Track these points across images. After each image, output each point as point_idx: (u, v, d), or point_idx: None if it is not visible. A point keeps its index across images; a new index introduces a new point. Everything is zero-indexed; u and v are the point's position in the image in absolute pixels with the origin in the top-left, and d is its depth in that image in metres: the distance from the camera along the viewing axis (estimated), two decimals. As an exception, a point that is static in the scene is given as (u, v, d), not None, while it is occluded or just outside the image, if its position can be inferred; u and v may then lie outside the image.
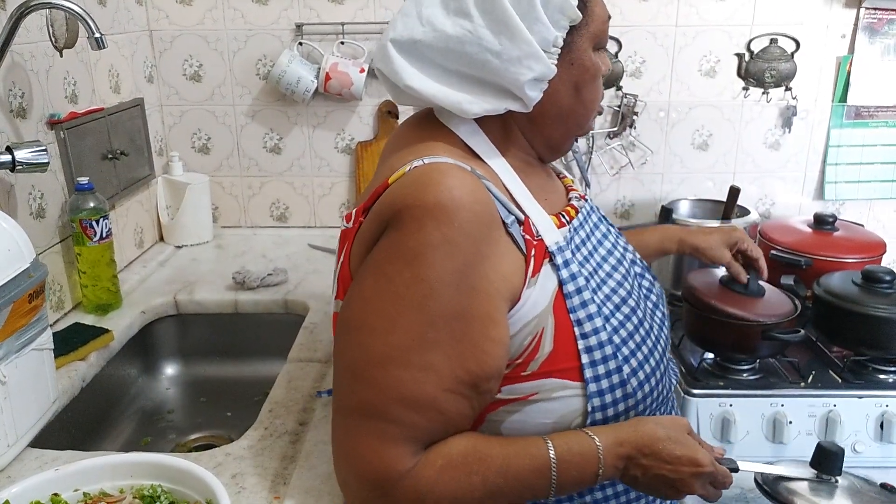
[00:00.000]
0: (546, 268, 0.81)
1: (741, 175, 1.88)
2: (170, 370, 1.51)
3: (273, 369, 1.27)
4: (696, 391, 1.33)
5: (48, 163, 1.15)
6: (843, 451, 0.91)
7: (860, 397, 1.32)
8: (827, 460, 0.90)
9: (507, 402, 0.80)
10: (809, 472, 0.92)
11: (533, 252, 0.80)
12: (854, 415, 1.32)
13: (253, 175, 1.92)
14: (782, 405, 1.32)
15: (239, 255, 1.76)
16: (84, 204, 1.34)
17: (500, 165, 0.84)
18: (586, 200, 0.95)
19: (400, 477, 0.73)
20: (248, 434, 1.02)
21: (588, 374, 0.80)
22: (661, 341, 0.91)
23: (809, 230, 1.65)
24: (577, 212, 0.89)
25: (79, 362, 1.22)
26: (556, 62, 0.81)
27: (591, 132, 1.82)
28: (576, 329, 0.80)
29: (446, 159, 0.79)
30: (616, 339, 0.82)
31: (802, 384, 1.35)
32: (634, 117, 1.82)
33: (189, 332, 1.51)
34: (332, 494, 0.89)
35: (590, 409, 0.80)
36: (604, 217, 0.99)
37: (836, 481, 0.91)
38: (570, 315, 0.80)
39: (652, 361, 0.86)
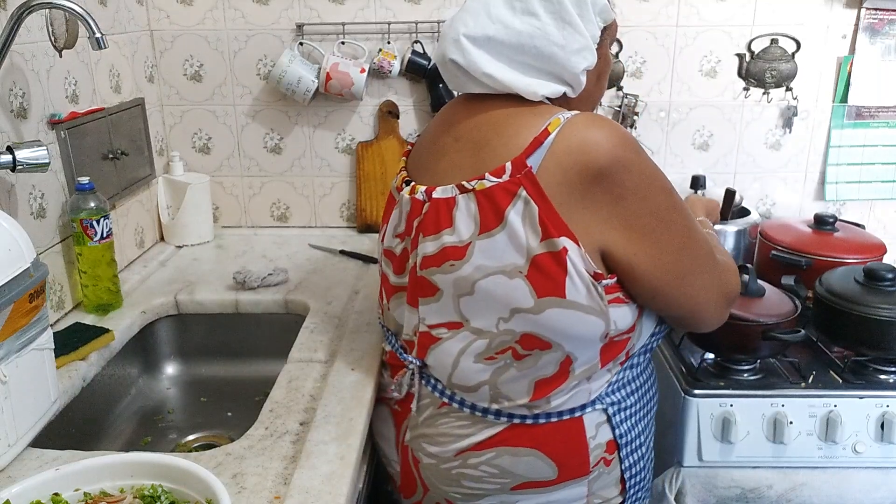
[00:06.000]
0: None
1: (742, 175, 1.88)
2: (170, 370, 1.51)
3: (273, 369, 1.27)
4: (696, 391, 1.33)
5: (49, 163, 1.15)
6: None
7: (861, 398, 1.32)
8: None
9: None
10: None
11: None
12: (855, 415, 1.32)
13: (253, 175, 1.92)
14: (783, 405, 1.32)
15: (239, 255, 1.76)
16: (85, 204, 1.34)
17: None
18: None
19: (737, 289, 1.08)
20: (249, 434, 1.02)
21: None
22: None
23: (809, 230, 1.65)
24: None
25: (79, 362, 1.22)
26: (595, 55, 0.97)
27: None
28: None
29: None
30: None
31: (803, 384, 1.35)
32: (635, 117, 1.82)
33: (189, 332, 1.51)
34: (332, 494, 0.89)
35: None
36: None
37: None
38: None
39: None
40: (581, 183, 0.89)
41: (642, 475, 1.09)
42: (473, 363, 0.98)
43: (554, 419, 1.00)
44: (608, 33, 1.01)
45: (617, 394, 1.03)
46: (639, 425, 1.07)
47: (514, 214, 0.90)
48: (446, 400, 1.03)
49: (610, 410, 1.02)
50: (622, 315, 0.96)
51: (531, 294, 0.91)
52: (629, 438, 1.05)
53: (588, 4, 0.94)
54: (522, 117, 0.95)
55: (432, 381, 1.04)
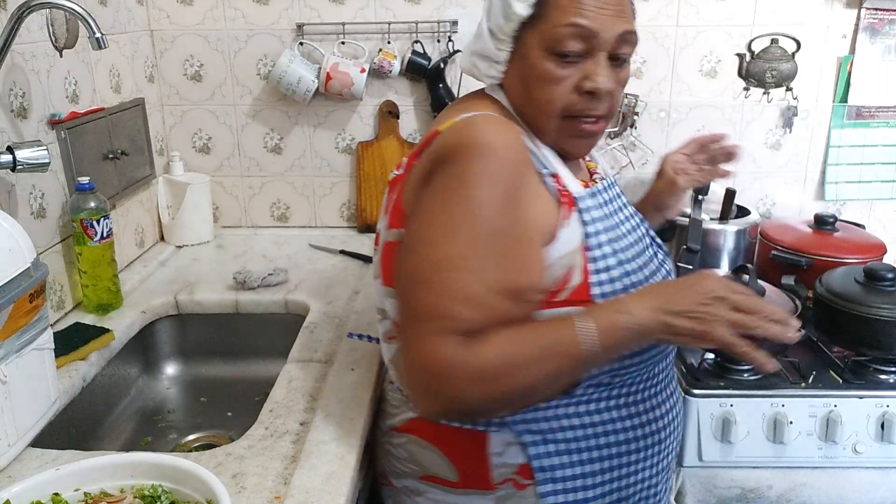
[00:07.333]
0: (574, 215, 0.93)
1: (742, 175, 1.88)
2: (170, 370, 1.51)
3: (273, 369, 1.27)
4: (696, 391, 1.33)
5: (49, 163, 1.15)
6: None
7: (861, 398, 1.32)
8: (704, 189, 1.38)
9: None
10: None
11: (564, 199, 0.93)
12: (855, 415, 1.32)
13: (253, 175, 1.92)
14: (783, 405, 1.32)
15: (239, 255, 1.76)
16: (85, 204, 1.34)
17: (531, 133, 0.97)
18: (608, 180, 1.06)
19: (453, 365, 0.83)
20: (249, 434, 1.02)
21: (595, 293, 0.91)
22: None
23: (810, 230, 1.65)
24: (596, 183, 1.02)
25: (79, 362, 1.22)
26: (506, 50, 0.93)
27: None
28: (589, 265, 0.91)
29: (491, 113, 0.94)
30: (626, 281, 0.93)
31: (803, 384, 1.35)
32: (635, 117, 1.82)
33: (189, 332, 1.51)
34: (332, 494, 0.89)
35: None
36: (623, 195, 1.09)
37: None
38: (588, 252, 0.92)
39: None
40: (429, 170, 0.92)
41: None
42: (385, 342, 1.04)
43: (455, 423, 0.96)
44: (535, 33, 0.89)
45: (539, 423, 0.94)
46: (580, 467, 0.95)
47: (388, 204, 0.99)
48: (391, 378, 1.08)
49: (526, 438, 0.94)
50: None
51: (381, 280, 0.99)
52: (559, 476, 0.95)
53: None
54: (445, 116, 1.00)
55: None
